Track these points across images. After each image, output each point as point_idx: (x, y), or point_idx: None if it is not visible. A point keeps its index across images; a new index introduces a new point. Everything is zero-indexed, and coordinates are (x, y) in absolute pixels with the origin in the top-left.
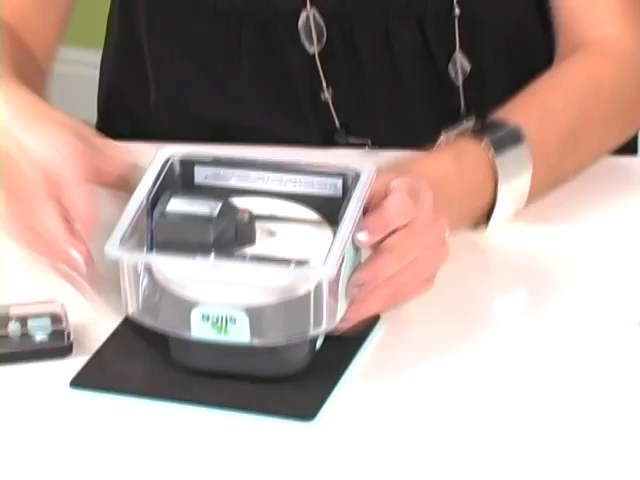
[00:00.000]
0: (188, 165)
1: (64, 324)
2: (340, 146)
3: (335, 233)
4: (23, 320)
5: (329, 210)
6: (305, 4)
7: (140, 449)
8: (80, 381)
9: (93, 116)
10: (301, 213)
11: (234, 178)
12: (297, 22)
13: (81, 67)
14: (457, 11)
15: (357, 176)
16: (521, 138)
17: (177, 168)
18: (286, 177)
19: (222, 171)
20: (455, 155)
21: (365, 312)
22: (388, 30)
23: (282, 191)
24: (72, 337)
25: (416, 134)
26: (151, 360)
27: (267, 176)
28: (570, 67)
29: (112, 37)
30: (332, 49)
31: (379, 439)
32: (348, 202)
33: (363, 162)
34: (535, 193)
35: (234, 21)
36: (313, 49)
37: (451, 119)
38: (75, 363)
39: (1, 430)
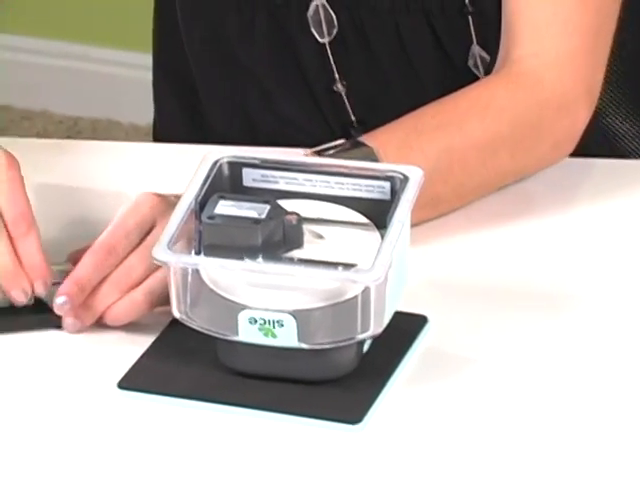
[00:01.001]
0: (236, 167)
1: None
2: None
3: (383, 237)
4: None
5: (377, 213)
6: None
7: (187, 450)
8: (128, 383)
9: (148, 118)
10: (349, 216)
11: (282, 181)
12: (307, 10)
13: (137, 70)
14: (470, 8)
15: (405, 179)
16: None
17: (225, 170)
18: (334, 180)
19: (270, 173)
20: None
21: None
22: (397, 22)
23: (330, 194)
24: None
25: None
26: (198, 362)
27: (315, 179)
28: (465, 90)
29: (157, 22)
30: (344, 39)
31: (425, 445)
32: (397, 205)
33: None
34: None
35: (245, 5)
36: (324, 39)
37: None
38: (123, 365)
39: (50, 431)
